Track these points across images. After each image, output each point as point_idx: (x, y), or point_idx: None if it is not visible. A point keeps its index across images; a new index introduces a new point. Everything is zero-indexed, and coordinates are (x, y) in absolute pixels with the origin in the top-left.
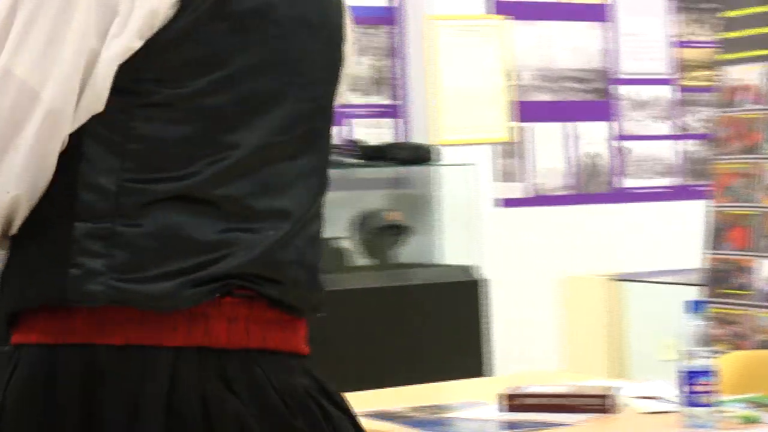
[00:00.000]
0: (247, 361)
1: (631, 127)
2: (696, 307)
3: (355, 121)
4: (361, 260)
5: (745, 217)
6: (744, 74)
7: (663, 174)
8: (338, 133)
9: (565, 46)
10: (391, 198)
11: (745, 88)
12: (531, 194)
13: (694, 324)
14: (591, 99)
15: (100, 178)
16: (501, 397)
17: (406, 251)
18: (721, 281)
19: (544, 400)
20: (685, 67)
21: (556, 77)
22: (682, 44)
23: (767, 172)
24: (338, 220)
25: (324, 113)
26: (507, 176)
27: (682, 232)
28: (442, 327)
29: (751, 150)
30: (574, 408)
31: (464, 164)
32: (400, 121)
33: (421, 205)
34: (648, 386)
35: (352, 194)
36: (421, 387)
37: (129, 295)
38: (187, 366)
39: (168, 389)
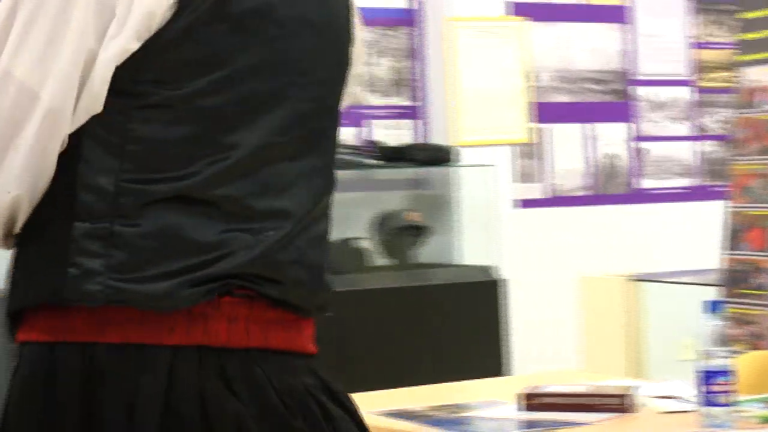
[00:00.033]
0: (247, 361)
1: (649, 128)
2: (714, 307)
3: (374, 122)
4: (381, 260)
5: (763, 218)
6: (762, 75)
7: (681, 175)
8: (358, 134)
9: (584, 48)
10: (410, 199)
11: (764, 90)
12: (549, 195)
13: (712, 324)
14: (609, 100)
15: (98, 178)
16: (519, 396)
17: (426, 251)
18: (739, 281)
19: (563, 400)
20: (703, 68)
21: (575, 78)
22: (701, 45)
23: None
24: (358, 220)
25: (328, 113)
26: (525, 177)
27: (700, 233)
28: (461, 327)
29: None
30: (593, 407)
31: (483, 165)
32: (420, 122)
33: (440, 205)
34: (666, 386)
35: (372, 195)
36: (440, 386)
37: (127, 295)
38: (186, 365)
39: (166, 388)
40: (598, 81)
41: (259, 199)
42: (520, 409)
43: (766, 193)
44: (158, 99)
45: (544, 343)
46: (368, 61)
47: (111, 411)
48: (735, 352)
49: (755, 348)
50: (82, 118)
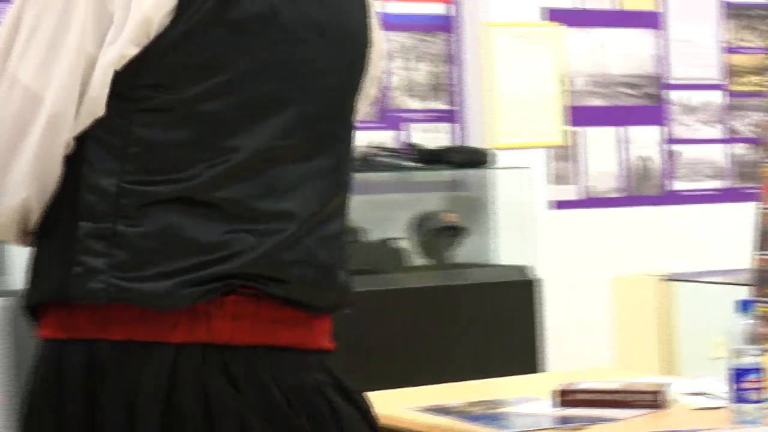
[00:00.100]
0: (252, 358)
1: (681, 131)
2: (745, 306)
3: (413, 125)
4: (419, 260)
5: None
6: None
7: (713, 177)
8: (397, 137)
9: (618, 53)
10: (447, 200)
11: None
12: (583, 196)
13: (743, 323)
14: (643, 104)
15: (101, 179)
16: (555, 392)
17: (462, 252)
18: None
19: (597, 396)
20: (734, 72)
21: (609, 83)
22: (732, 50)
23: None
24: (397, 221)
25: (337, 116)
26: (560, 179)
27: (731, 234)
28: (497, 326)
29: None
30: (626, 404)
31: (519, 167)
32: (457, 125)
33: (476, 207)
34: (698, 383)
35: (411, 196)
36: (476, 383)
37: (129, 294)
38: (189, 362)
39: (167, 386)
40: (631, 85)
41: (263, 200)
42: (555, 406)
43: None
44: (158, 103)
45: (578, 342)
46: (407, 66)
47: (111, 409)
48: (766, 350)
49: None
50: (84, 122)
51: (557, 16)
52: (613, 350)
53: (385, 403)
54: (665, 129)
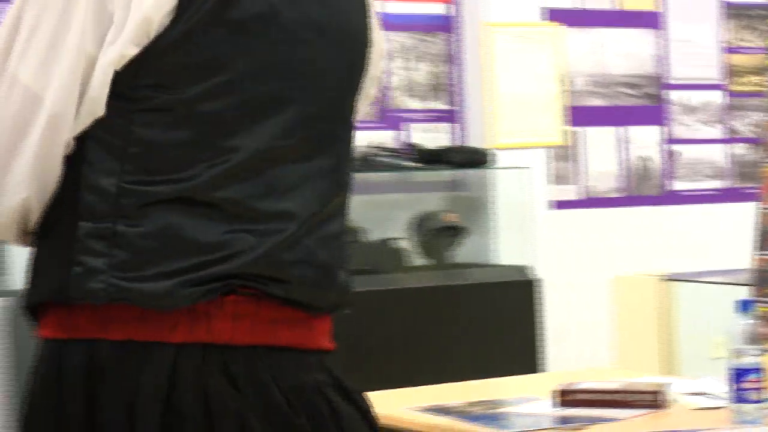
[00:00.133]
0: (252, 358)
1: (681, 131)
2: (745, 306)
3: (413, 125)
4: (419, 260)
5: None
6: None
7: (713, 177)
8: (397, 137)
9: (618, 53)
10: (447, 200)
11: None
12: (583, 196)
13: (743, 323)
14: (643, 104)
15: (101, 179)
16: (555, 392)
17: (462, 252)
18: None
19: (597, 396)
20: (734, 72)
21: (609, 83)
22: (732, 50)
23: None
24: (397, 221)
25: (337, 116)
26: (560, 179)
27: (731, 234)
28: (497, 325)
29: None
30: (626, 404)
31: (519, 167)
32: (457, 125)
33: (476, 207)
34: (698, 383)
35: (411, 196)
36: (476, 383)
37: (129, 294)
38: (189, 362)
39: (167, 386)
40: (631, 85)
41: (263, 200)
42: (555, 406)
43: None
44: (158, 103)
45: (578, 342)
46: (407, 66)
47: (111, 409)
48: (765, 350)
49: None
50: (84, 122)
51: (557, 16)
52: (613, 350)
53: (385, 403)
54: (665, 129)
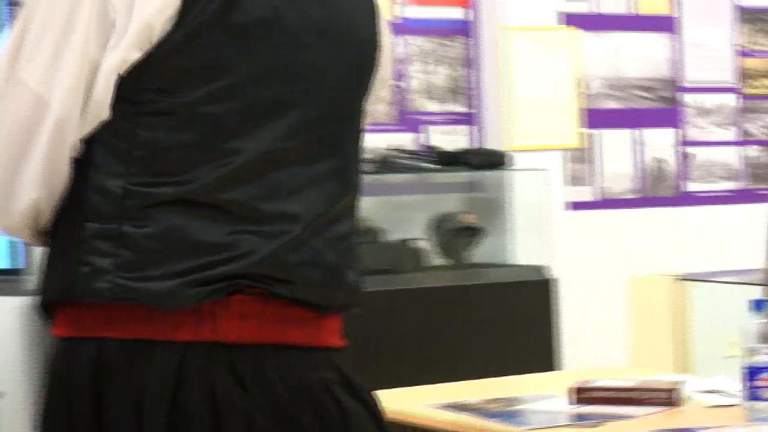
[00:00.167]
0: (259, 357)
1: (696, 133)
2: (758, 305)
3: (432, 128)
4: (437, 260)
5: None
6: None
7: (726, 178)
8: (416, 140)
9: (633, 56)
10: (465, 201)
11: None
12: (599, 198)
13: (757, 322)
14: (657, 107)
15: (107, 181)
16: (571, 390)
17: (480, 252)
18: None
19: (613, 394)
20: (748, 75)
21: (624, 86)
22: (745, 54)
23: None
24: (416, 222)
25: (342, 118)
26: (576, 180)
27: (744, 234)
28: (514, 325)
29: None
30: (642, 401)
31: (535, 169)
32: (475, 128)
33: (494, 208)
34: (712, 381)
35: (429, 198)
36: (494, 380)
37: (134, 293)
38: (195, 362)
39: (174, 385)
40: (646, 88)
41: (267, 202)
42: (571, 403)
43: None
44: (161, 106)
45: (593, 341)
46: (426, 70)
47: (118, 408)
48: None
49: None
50: (90, 125)
51: (574, 20)
52: (629, 350)
53: (403, 400)
54: (680, 131)
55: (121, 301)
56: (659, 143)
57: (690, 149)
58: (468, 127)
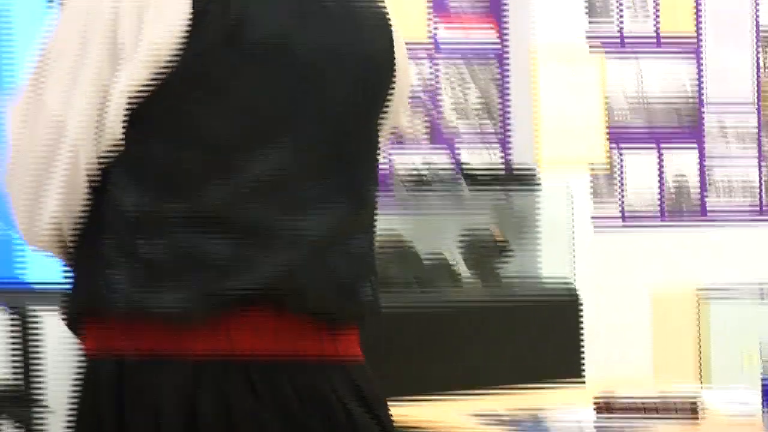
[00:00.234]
0: (273, 369)
1: (718, 150)
2: None
3: (462, 146)
4: (466, 276)
5: None
6: None
7: (748, 196)
8: (447, 157)
9: (657, 75)
10: (495, 218)
11: None
12: (624, 216)
13: None
14: (680, 124)
15: (122, 198)
16: (596, 401)
17: (508, 268)
18: None
19: (636, 405)
20: None
21: (648, 104)
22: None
23: None
24: (445, 238)
25: (354, 137)
26: (601, 197)
27: (765, 251)
28: (542, 337)
29: None
30: (664, 413)
31: (563, 186)
32: (505, 146)
33: (522, 225)
34: (733, 394)
35: (459, 215)
36: (520, 391)
37: (148, 307)
38: (211, 374)
39: (190, 396)
40: (670, 106)
41: (278, 217)
42: (595, 415)
43: None
44: (171, 126)
45: (617, 354)
46: (457, 89)
47: (136, 419)
48: None
49: None
50: (103, 147)
51: (600, 40)
52: (651, 361)
53: (431, 409)
54: (702, 149)
55: (136, 314)
56: (682, 161)
57: (712, 167)
58: (498, 145)
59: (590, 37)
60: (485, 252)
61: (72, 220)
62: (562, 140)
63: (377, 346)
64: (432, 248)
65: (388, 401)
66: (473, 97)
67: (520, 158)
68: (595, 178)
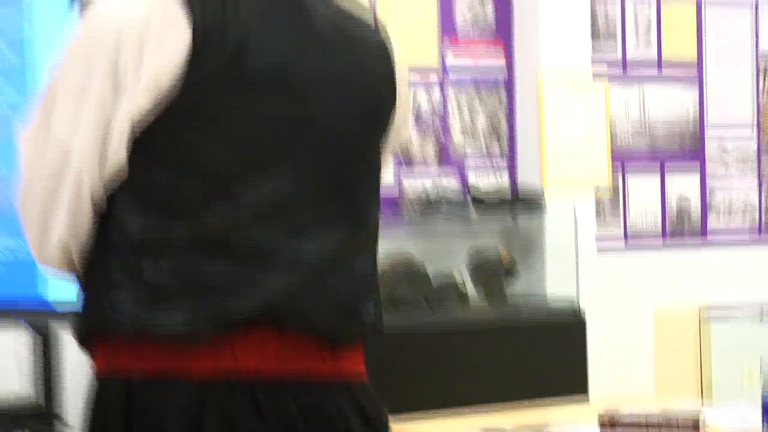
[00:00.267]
0: (279, 390)
1: (719, 173)
2: None
3: (469, 168)
4: (473, 294)
5: None
6: None
7: (748, 217)
8: (455, 180)
9: (660, 100)
10: (501, 240)
11: None
12: (627, 236)
13: None
14: (683, 148)
15: (127, 220)
16: (600, 418)
17: (514, 289)
18: None
19: (640, 421)
20: None
21: (651, 128)
22: None
23: None
24: (452, 259)
25: (353, 162)
26: (605, 219)
27: (766, 273)
28: (547, 356)
29: None
30: (667, 429)
31: (567, 209)
32: (511, 167)
33: (528, 246)
34: (735, 413)
35: (466, 236)
36: (525, 408)
37: (153, 327)
38: (216, 393)
39: (196, 416)
40: (672, 130)
41: (278, 242)
42: (600, 431)
43: None
44: (171, 154)
45: (620, 374)
46: (464, 111)
47: None
48: None
49: None
50: (108, 173)
51: (605, 64)
52: (655, 379)
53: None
54: (704, 171)
55: (141, 334)
56: (684, 183)
57: (714, 189)
58: (505, 167)
59: (595, 62)
60: (492, 272)
61: (79, 242)
62: (567, 162)
63: (386, 364)
64: (440, 268)
65: (397, 418)
66: (481, 121)
67: (526, 180)
68: (599, 199)
